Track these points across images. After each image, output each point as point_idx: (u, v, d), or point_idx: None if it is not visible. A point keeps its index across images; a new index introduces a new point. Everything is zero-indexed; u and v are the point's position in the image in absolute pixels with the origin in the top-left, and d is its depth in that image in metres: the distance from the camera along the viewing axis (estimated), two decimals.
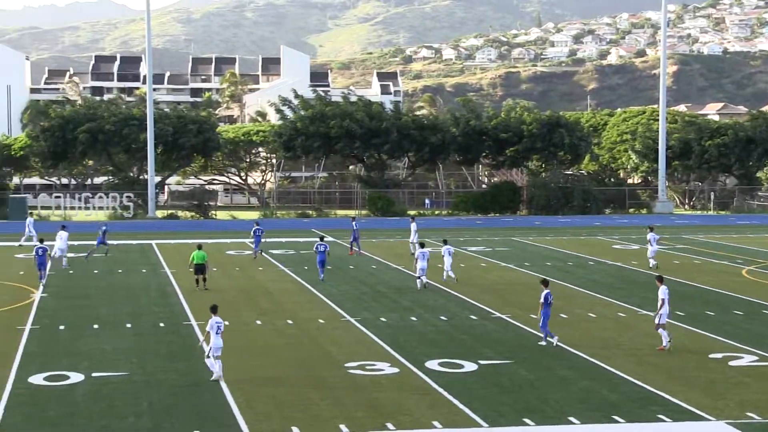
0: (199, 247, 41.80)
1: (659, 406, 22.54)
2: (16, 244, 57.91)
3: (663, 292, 29.02)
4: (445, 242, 43.88)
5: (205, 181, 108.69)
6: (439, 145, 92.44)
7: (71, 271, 46.48)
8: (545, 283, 30.02)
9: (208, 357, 25.05)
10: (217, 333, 25.00)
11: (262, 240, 54.08)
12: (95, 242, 53.00)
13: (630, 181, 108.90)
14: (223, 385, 24.20)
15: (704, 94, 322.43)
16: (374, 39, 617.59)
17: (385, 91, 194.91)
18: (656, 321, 28.98)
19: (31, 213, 62.30)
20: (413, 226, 54.96)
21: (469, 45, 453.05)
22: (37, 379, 24.70)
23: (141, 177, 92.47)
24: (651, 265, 47.94)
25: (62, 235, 49.21)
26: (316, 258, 43.84)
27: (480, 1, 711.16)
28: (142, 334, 30.86)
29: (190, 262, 41.02)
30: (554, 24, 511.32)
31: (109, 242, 54.77)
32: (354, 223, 56.94)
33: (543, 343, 29.23)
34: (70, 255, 49.28)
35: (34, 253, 42.87)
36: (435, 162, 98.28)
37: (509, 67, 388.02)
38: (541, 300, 29.26)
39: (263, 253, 53.21)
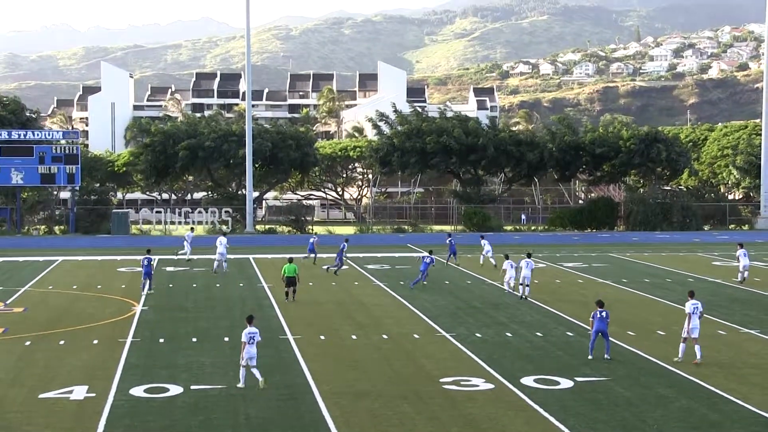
0: (290, 260, 42.45)
1: (762, 427, 22.09)
2: (175, 257, 58.71)
3: (689, 306, 28.99)
4: (529, 255, 43.91)
5: (302, 196, 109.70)
6: (536, 161, 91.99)
7: (171, 285, 47.22)
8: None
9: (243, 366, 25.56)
10: (250, 343, 25.50)
11: (455, 252, 56.11)
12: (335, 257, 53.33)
13: (731, 196, 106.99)
14: (319, 398, 24.36)
15: None
16: (471, 54, 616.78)
17: (481, 106, 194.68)
18: (682, 335, 29.01)
19: (225, 233, 63.57)
20: (484, 243, 55.48)
21: (566, 60, 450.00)
22: (137, 391, 25.14)
23: (239, 192, 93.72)
24: (741, 279, 47.83)
25: (222, 240, 52.72)
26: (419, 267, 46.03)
27: (578, 16, 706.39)
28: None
29: (282, 275, 41.58)
30: (654, 38, 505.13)
31: (207, 257, 55.57)
32: (450, 239, 57.19)
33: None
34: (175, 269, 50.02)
35: (141, 262, 44.55)
36: (531, 178, 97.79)
37: (607, 81, 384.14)
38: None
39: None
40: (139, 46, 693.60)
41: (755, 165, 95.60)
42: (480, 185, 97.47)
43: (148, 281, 43.79)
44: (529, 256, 43.98)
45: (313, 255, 57.55)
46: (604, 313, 29.14)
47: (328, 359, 29.27)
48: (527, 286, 42.68)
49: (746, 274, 48.58)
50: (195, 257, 58.79)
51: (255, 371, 25.52)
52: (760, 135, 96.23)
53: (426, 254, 47.40)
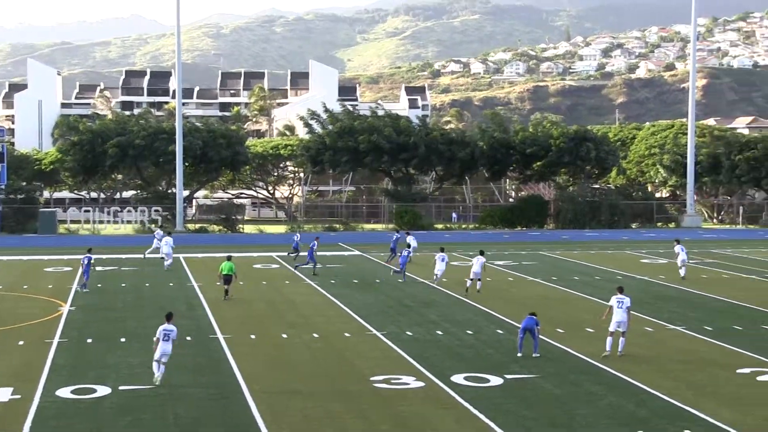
0: (229, 258, 42.51)
1: (687, 422, 22.37)
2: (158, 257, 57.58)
3: (614, 300, 29.70)
4: (481, 252, 45.22)
5: (233, 194, 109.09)
6: (467, 159, 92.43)
7: (99, 285, 46.68)
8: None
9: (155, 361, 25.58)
10: (165, 340, 25.50)
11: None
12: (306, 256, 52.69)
13: (658, 195, 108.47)
14: (249, 398, 24.24)
15: (734, 107, 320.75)
16: (402, 53, 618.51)
17: (413, 105, 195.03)
18: (609, 329, 29.57)
19: (170, 233, 63.18)
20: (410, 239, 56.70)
21: (497, 59, 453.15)
22: (64, 392, 24.79)
23: (169, 191, 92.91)
24: (683, 275, 48.94)
25: (168, 240, 53.99)
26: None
27: (509, 15, 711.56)
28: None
29: (219, 273, 41.44)
30: (583, 38, 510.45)
31: (136, 256, 55.04)
32: (397, 237, 57.60)
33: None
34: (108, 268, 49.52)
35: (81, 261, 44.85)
36: (463, 176, 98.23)
37: (537, 81, 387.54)
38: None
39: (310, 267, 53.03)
40: (66, 43, 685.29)
41: (682, 164, 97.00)
42: (411, 184, 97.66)
43: (85, 280, 43.94)
44: (481, 253, 44.98)
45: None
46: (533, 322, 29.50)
47: (259, 358, 29.15)
48: (479, 280, 43.66)
49: (683, 270, 49.47)
50: (153, 256, 58.19)
51: (161, 367, 25.50)
52: (687, 134, 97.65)
53: (439, 252, 47.14)
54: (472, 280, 43.76)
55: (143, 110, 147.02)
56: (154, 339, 25.94)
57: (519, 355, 29.29)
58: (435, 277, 46.85)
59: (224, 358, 29.17)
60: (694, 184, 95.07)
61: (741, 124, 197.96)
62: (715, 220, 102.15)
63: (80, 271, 45.03)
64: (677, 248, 50.02)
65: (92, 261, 45.18)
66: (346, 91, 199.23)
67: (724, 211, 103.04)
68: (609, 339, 29.50)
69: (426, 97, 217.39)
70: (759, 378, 26.68)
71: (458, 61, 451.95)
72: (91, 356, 29.47)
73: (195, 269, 53.42)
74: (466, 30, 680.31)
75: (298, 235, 63.04)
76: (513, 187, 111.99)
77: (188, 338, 32.41)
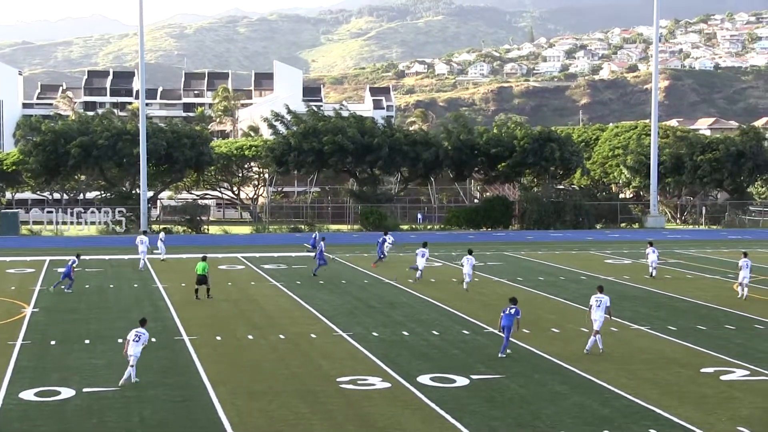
0: (203, 258, 42.56)
1: (651, 421, 22.53)
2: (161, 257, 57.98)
3: (593, 299, 30.49)
4: (470, 252, 46.55)
5: (198, 195, 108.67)
6: (431, 160, 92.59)
7: (63, 287, 46.34)
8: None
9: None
10: (135, 340, 25.75)
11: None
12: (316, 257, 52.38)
13: (622, 195, 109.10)
14: (215, 399, 24.17)
15: (696, 109, 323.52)
16: (367, 54, 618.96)
17: (377, 105, 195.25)
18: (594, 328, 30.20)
19: (164, 229, 64.50)
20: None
21: (461, 60, 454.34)
22: (27, 395, 24.61)
23: (133, 192, 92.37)
24: (653, 275, 49.70)
25: (143, 239, 54.24)
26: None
27: (473, 17, 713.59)
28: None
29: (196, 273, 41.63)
30: (546, 39, 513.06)
31: (100, 257, 54.72)
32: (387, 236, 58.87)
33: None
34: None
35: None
36: (428, 177, 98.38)
37: (501, 82, 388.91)
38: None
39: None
40: (28, 42, 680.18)
41: (645, 165, 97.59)
42: (376, 185, 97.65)
43: (70, 282, 44.38)
44: (470, 252, 46.10)
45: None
46: (513, 310, 29.85)
47: (224, 360, 29.07)
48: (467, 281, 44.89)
49: (654, 270, 50.37)
50: (164, 257, 58.09)
51: (130, 369, 25.65)
52: (650, 135, 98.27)
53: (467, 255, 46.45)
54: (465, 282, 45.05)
55: (106, 110, 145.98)
56: (126, 339, 25.91)
57: (502, 356, 29.33)
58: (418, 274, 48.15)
59: (190, 360, 29.07)
60: (658, 185, 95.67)
61: (703, 126, 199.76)
62: (678, 221, 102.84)
63: (63, 271, 45.00)
64: (649, 249, 50.50)
65: (74, 264, 45.33)
66: (311, 91, 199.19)
67: (687, 211, 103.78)
68: (591, 338, 30.14)
69: (390, 98, 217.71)
70: (722, 377, 26.90)
71: (422, 62, 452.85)
72: (55, 358, 29.27)
73: (160, 270, 53.14)
74: (430, 31, 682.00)
75: (317, 234, 64.43)
76: (478, 188, 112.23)
77: (153, 340, 32.18)
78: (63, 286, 44.26)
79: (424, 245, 49.40)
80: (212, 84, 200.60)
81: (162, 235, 61.67)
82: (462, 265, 45.91)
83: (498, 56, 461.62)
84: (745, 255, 43.87)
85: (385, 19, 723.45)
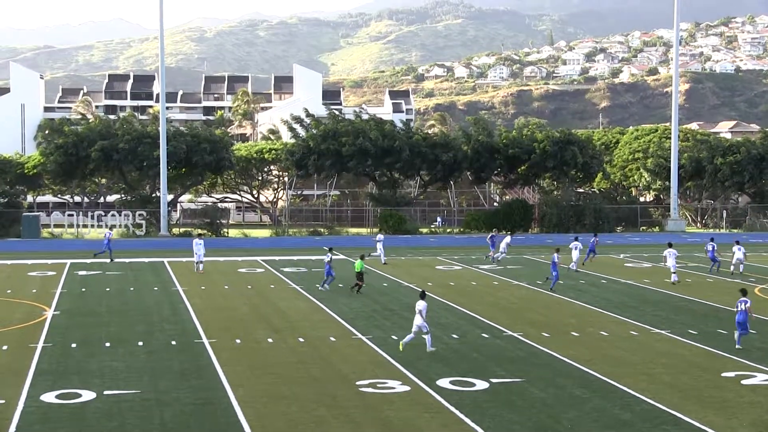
0: (362, 257, 46.09)
1: (672, 426, 22.43)
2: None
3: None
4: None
5: (218, 199, 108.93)
6: (450, 163, 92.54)
7: (84, 289, 46.55)
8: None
9: None
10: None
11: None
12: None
13: (642, 199, 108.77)
14: (235, 403, 24.18)
15: (716, 112, 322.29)
16: (386, 57, 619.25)
17: (396, 109, 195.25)
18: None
19: (200, 235, 64.58)
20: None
21: (481, 63, 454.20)
22: (48, 397, 24.69)
23: (153, 195, 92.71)
24: (674, 281, 49.24)
25: (199, 242, 54.90)
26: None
27: (492, 20, 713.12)
28: (154, 351, 30.87)
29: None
30: (566, 42, 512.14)
31: (121, 260, 54.90)
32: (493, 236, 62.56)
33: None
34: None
35: None
36: (447, 180, 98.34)
37: (521, 85, 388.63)
38: None
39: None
40: (49, 46, 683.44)
41: (665, 168, 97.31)
42: (396, 188, 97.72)
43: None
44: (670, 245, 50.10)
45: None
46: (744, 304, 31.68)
47: (244, 363, 29.09)
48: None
49: (675, 277, 49.79)
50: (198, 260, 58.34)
51: (426, 337, 30.25)
52: (670, 138, 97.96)
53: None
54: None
55: (128, 114, 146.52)
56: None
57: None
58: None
59: (209, 363, 29.09)
60: (678, 188, 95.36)
61: (723, 129, 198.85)
62: (698, 224, 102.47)
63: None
64: (667, 252, 50.43)
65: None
66: (330, 95, 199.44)
67: (707, 215, 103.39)
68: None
69: (410, 102, 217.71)
70: (743, 382, 26.76)
71: (442, 66, 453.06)
72: (76, 361, 29.35)
73: (179, 273, 53.28)
74: (450, 34, 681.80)
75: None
76: (497, 191, 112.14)
77: (173, 343, 32.34)
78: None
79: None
80: (232, 87, 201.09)
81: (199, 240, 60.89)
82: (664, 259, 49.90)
83: (518, 59, 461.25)
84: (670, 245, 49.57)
85: (404, 23, 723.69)
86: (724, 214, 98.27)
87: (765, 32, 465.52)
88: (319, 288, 46.23)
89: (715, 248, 54.23)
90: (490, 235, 63.78)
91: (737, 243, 54.38)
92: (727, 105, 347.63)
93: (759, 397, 25.15)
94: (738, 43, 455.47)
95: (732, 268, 53.30)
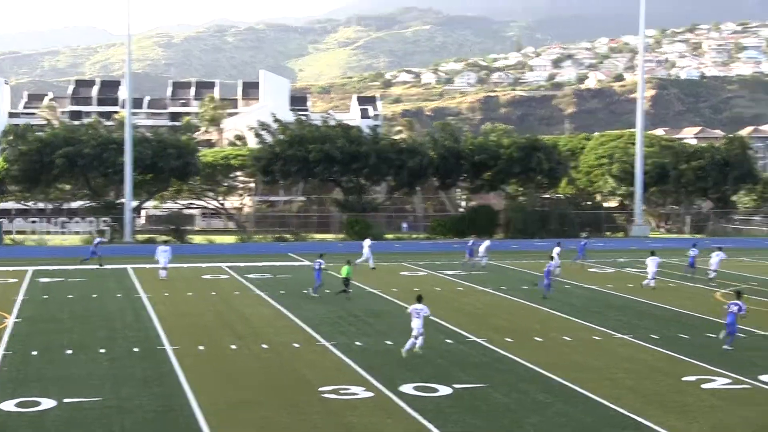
0: (348, 262, 46.08)
1: (634, 430, 22.53)
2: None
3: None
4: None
5: (183, 205, 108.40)
6: (417, 168, 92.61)
7: (46, 296, 46.21)
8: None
9: None
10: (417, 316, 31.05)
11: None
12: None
13: (607, 204, 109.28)
14: (197, 410, 24.04)
15: (681, 118, 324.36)
16: (354, 63, 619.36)
17: (364, 115, 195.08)
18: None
19: (165, 242, 64.85)
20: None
21: (448, 69, 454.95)
22: (7, 406, 24.44)
23: (118, 201, 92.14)
24: (652, 286, 49.53)
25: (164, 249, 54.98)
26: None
27: (460, 26, 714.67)
28: (116, 358, 30.67)
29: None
30: (534, 48, 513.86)
31: (86, 267, 54.54)
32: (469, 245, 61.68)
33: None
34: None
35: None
36: (413, 186, 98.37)
37: (488, 91, 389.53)
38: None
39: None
40: (15, 52, 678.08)
41: (630, 174, 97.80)
42: (362, 194, 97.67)
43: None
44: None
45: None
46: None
47: (207, 370, 28.96)
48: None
49: (652, 283, 50.40)
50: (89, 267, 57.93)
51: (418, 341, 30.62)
52: (635, 144, 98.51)
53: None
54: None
55: (93, 120, 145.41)
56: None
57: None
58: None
59: (172, 370, 28.93)
60: (643, 194, 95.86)
61: (689, 135, 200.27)
62: (662, 230, 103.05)
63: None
64: (649, 259, 50.60)
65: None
66: (298, 101, 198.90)
67: (671, 220, 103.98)
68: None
69: (377, 107, 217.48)
70: (704, 386, 26.92)
71: (410, 72, 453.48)
72: (36, 368, 29.10)
73: (143, 280, 52.99)
74: (418, 40, 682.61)
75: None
76: (463, 197, 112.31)
77: (136, 350, 32.15)
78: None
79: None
80: (199, 93, 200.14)
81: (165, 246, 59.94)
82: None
83: (485, 66, 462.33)
84: (694, 245, 51.13)
85: (373, 29, 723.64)
86: (688, 220, 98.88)
87: (730, 39, 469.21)
88: (311, 294, 46.39)
89: (696, 254, 54.31)
90: (471, 242, 63.48)
91: (719, 249, 55.08)
92: (692, 111, 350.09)
93: (719, 401, 25.31)
94: (703, 49, 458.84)
95: (713, 274, 53.50)
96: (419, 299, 31.57)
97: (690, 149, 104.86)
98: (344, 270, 45.34)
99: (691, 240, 75.11)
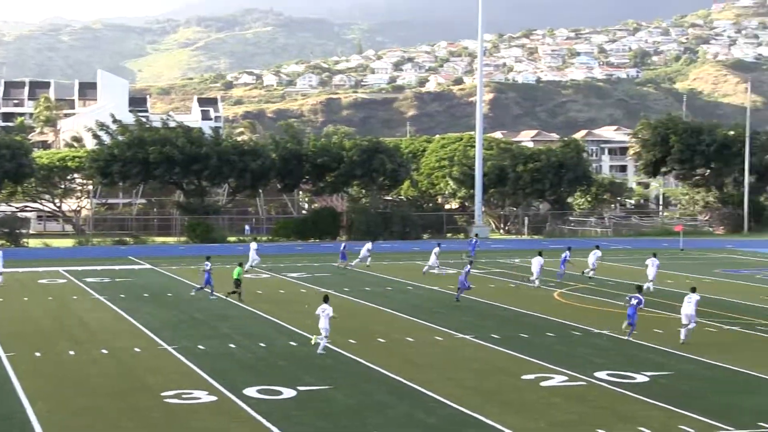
0: (240, 264, 46.37)
1: (475, 429, 22.88)
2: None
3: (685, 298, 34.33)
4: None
5: (17, 207, 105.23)
6: (259, 170, 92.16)
7: None
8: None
9: None
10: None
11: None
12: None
13: (448, 206, 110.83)
14: (33, 418, 23.39)
15: (519, 121, 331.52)
16: (195, 64, 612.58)
17: (205, 116, 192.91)
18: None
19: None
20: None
21: (290, 71, 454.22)
22: None
23: None
24: (651, 289, 48.61)
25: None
26: None
27: (301, 28, 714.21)
28: None
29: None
30: (375, 51, 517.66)
31: None
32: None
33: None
34: None
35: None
36: (256, 188, 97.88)
37: (330, 93, 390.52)
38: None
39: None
40: None
41: (470, 176, 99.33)
42: (203, 196, 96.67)
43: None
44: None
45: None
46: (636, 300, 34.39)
47: (44, 376, 28.21)
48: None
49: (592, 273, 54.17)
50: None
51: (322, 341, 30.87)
52: (475, 147, 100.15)
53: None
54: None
55: None
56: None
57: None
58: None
59: (7, 377, 28.07)
60: (482, 196, 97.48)
61: (526, 138, 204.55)
62: (502, 231, 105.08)
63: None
64: (649, 260, 51.28)
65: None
66: (137, 102, 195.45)
67: (510, 221, 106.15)
68: (681, 330, 33.68)
69: (218, 109, 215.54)
70: (542, 384, 27.53)
71: (251, 73, 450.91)
72: None
73: None
74: (259, 42, 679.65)
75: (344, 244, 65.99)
76: (306, 199, 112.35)
77: None
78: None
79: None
80: (33, 93, 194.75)
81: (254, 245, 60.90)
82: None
83: (327, 68, 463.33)
84: (654, 255, 51.09)
85: (213, 30, 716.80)
86: (526, 221, 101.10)
87: (564, 45, 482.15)
88: (210, 297, 46.01)
89: (568, 257, 54.35)
90: (343, 245, 64.72)
91: (597, 247, 56.86)
92: (529, 115, 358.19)
93: (557, 398, 25.93)
94: (539, 54, 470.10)
95: (591, 272, 54.49)
96: (326, 299, 32.24)
97: (527, 152, 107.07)
98: (235, 272, 45.22)
99: (537, 242, 76.76)
